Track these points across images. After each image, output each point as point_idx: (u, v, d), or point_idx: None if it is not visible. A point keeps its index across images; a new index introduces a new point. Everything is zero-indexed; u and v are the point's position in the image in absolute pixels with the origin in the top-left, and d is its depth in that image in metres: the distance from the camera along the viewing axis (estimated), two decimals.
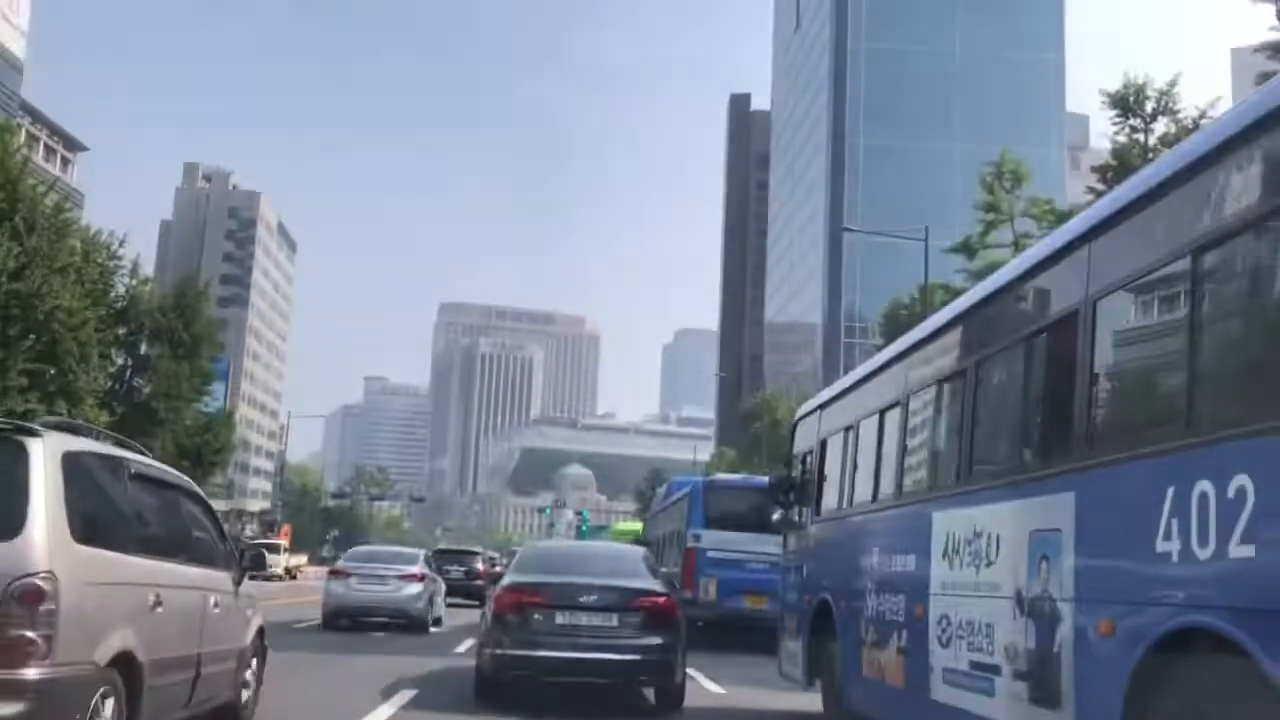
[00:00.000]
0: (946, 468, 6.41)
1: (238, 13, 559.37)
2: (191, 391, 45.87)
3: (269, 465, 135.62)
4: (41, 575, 4.42)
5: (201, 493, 7.20)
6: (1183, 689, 3.71)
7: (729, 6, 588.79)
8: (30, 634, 4.37)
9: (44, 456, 4.75)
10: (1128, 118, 25.49)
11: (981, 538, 5.52)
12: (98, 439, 5.77)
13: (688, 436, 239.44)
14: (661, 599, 9.30)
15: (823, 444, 9.17)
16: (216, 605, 6.61)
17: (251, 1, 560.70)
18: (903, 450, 7.07)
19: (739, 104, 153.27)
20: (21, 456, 4.68)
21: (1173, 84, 25.30)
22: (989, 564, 5.42)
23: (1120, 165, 24.21)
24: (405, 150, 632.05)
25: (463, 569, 28.07)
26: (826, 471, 9.00)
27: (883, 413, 7.49)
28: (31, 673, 4.37)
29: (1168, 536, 3.81)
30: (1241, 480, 3.44)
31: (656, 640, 9.02)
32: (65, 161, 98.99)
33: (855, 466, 8.17)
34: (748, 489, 15.83)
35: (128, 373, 47.06)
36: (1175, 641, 3.72)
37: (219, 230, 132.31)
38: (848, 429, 8.38)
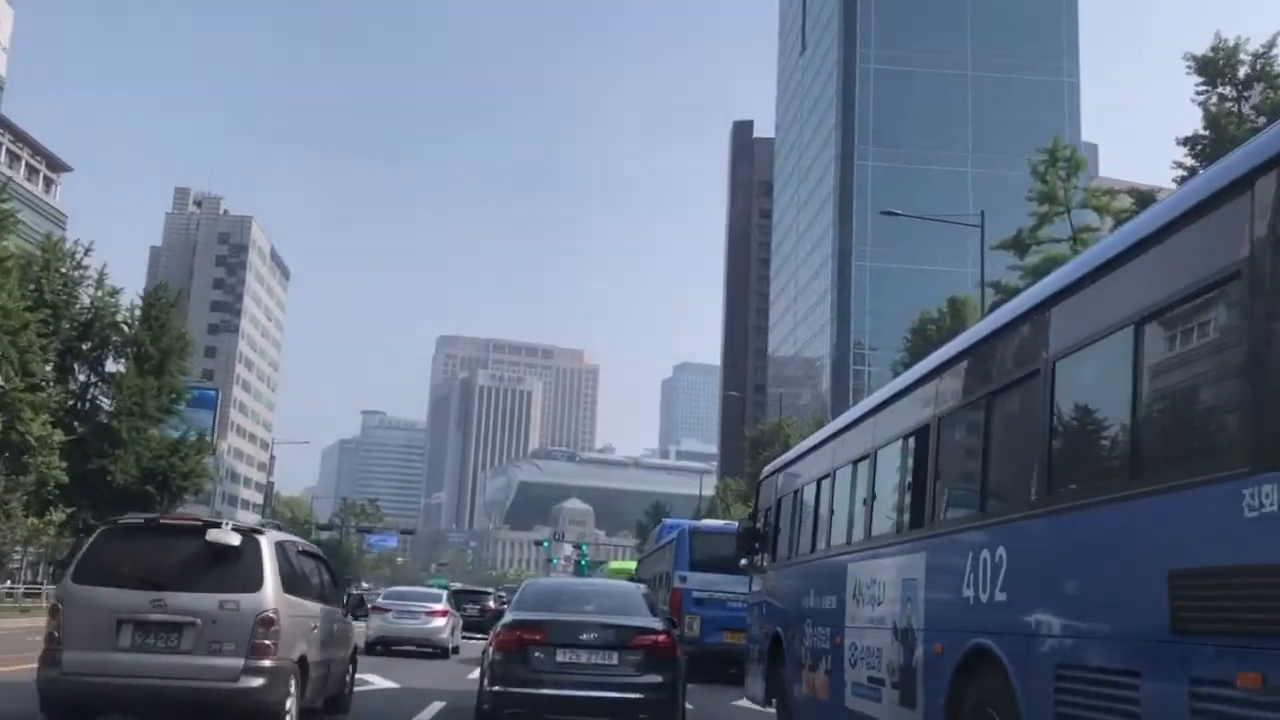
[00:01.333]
0: (857, 529, 8.00)
1: (234, 44, 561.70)
2: (158, 410, 42.24)
3: (259, 497, 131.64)
4: (272, 611, 8.10)
5: (325, 557, 11.03)
6: (975, 692, 5.34)
7: (731, 38, 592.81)
8: (267, 642, 8.02)
9: (268, 545, 8.51)
10: (1215, 85, 22.12)
11: (876, 584, 7.25)
12: (280, 530, 10.57)
13: (688, 471, 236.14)
14: (661, 637, 9.34)
15: (778, 502, 10.85)
16: (336, 629, 10.25)
17: (246, 36, 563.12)
18: (830, 513, 8.79)
19: (741, 131, 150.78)
20: (257, 545, 8.41)
21: (1271, 45, 21.96)
22: (879, 604, 7.12)
23: (1214, 136, 20.83)
24: (406, 185, 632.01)
25: (477, 607, 31.78)
26: (780, 526, 10.65)
27: (819, 481, 9.25)
28: (268, 662, 7.99)
29: (968, 585, 5.52)
30: (1001, 550, 5.21)
31: (657, 678, 9.08)
32: (49, 182, 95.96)
33: (799, 523, 9.86)
34: (729, 534, 16.61)
35: (90, 390, 43.54)
36: (971, 658, 5.37)
37: (209, 256, 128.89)
38: (795, 492, 10.15)
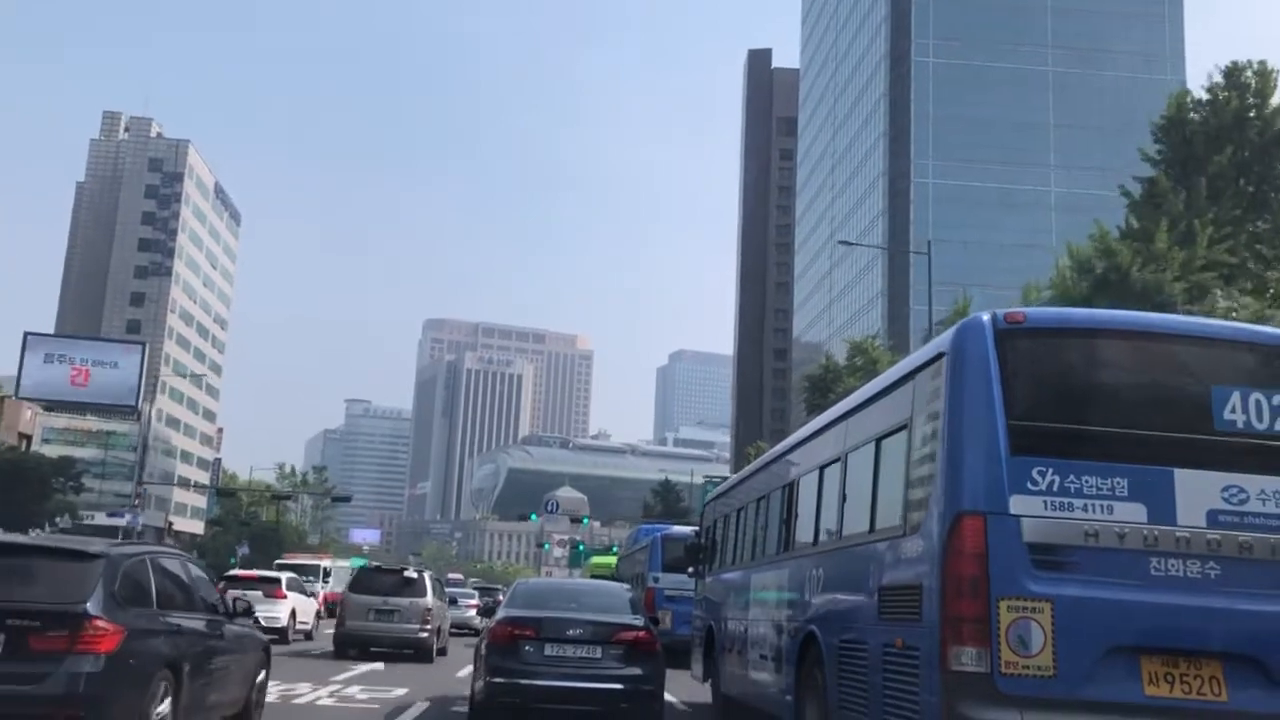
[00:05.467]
0: (759, 549, 11.02)
1: (232, 29, 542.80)
2: None
3: (201, 474, 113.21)
4: (429, 606, 20.68)
5: (440, 578, 28.28)
6: (807, 661, 8.06)
7: (738, 19, 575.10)
8: (428, 619, 20.52)
9: (428, 577, 22.34)
10: None
11: (765, 589, 10.14)
12: (430, 569, 30.58)
13: (688, 458, 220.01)
14: (642, 633, 10.52)
15: (714, 524, 14.46)
16: (446, 613, 23.96)
17: (244, 21, 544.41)
18: (743, 536, 12.08)
19: (758, 61, 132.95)
20: (424, 577, 21.67)
21: None
22: (767, 603, 9.95)
23: None
24: (397, 169, 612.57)
25: (491, 599, 39.82)
26: (714, 543, 14.25)
27: (737, 511, 12.68)
28: (429, 627, 20.58)
29: (807, 591, 8.37)
30: (821, 570, 8.09)
31: (637, 671, 10.22)
32: None
33: (725, 542, 13.39)
34: None
35: None
36: (806, 639, 8.09)
37: (137, 186, 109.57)
38: (724, 518, 13.67)
